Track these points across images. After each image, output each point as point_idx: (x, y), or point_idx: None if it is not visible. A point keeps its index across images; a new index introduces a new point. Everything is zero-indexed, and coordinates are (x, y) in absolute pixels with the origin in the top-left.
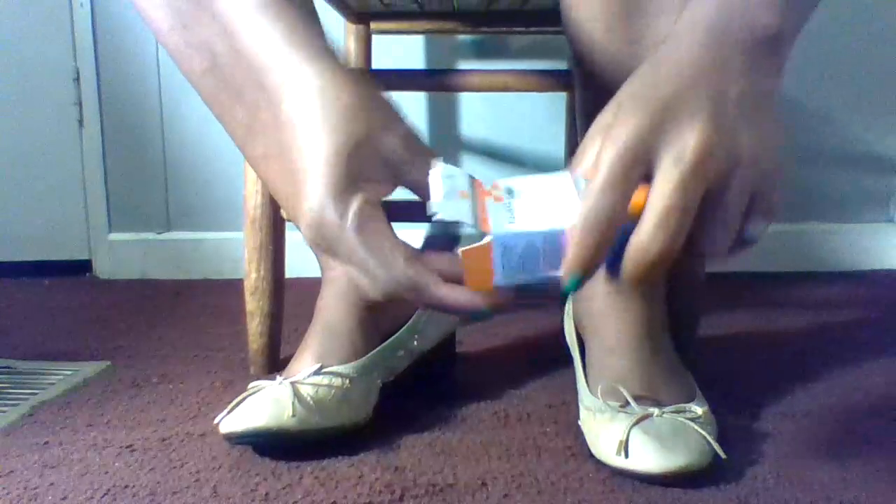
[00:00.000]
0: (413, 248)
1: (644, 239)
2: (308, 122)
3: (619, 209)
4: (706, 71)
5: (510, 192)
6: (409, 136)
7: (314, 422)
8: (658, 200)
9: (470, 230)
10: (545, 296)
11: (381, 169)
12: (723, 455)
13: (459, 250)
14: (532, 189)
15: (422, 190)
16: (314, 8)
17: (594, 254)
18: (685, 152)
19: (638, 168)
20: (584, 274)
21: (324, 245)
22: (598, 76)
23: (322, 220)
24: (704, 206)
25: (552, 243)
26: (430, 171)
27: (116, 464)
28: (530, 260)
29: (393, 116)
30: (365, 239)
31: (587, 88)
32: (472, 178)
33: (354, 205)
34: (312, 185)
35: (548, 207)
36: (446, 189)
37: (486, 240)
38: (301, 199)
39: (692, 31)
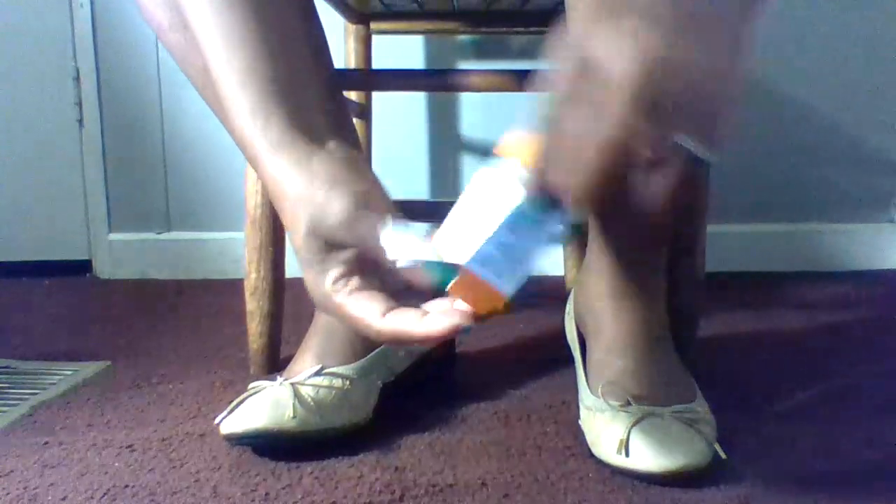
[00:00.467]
0: (391, 299)
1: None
2: (278, 203)
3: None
4: None
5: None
6: (363, 204)
7: (314, 423)
8: (612, 103)
9: (439, 269)
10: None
11: (345, 238)
12: (723, 455)
13: (448, 290)
14: (467, 204)
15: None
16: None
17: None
18: (640, 56)
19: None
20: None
21: (320, 306)
22: None
23: (312, 293)
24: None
25: (520, 223)
26: (382, 233)
27: (116, 464)
28: (515, 252)
29: (352, 188)
30: (344, 306)
31: None
32: (429, 228)
33: (329, 279)
34: (302, 268)
35: (491, 204)
36: (402, 240)
37: (464, 269)
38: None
39: None
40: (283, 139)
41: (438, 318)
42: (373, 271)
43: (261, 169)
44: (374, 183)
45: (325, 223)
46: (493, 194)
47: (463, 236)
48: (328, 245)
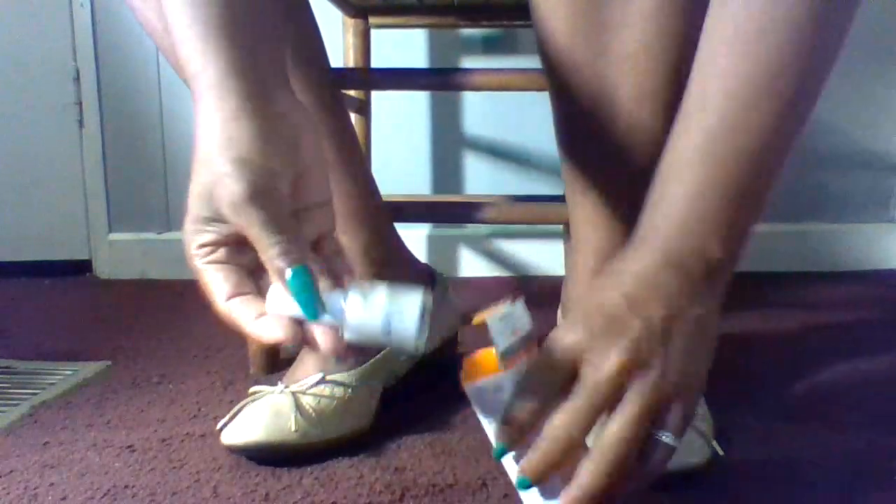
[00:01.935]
0: (248, 283)
1: (553, 435)
2: (193, 161)
3: (546, 396)
4: (652, 294)
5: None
6: (261, 194)
7: (315, 435)
8: (572, 404)
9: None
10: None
11: (228, 219)
12: (720, 452)
13: (465, 361)
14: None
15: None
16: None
17: (520, 422)
18: (606, 368)
19: (565, 370)
20: (509, 445)
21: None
22: (567, 88)
23: (183, 244)
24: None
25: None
26: (349, 295)
27: (116, 464)
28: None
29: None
30: (199, 273)
31: (559, 99)
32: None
33: (197, 241)
34: (185, 219)
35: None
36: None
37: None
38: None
39: (651, 252)
40: (219, 83)
41: (271, 325)
42: (245, 252)
43: (196, 103)
44: (307, 168)
45: (214, 197)
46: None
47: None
48: (212, 213)
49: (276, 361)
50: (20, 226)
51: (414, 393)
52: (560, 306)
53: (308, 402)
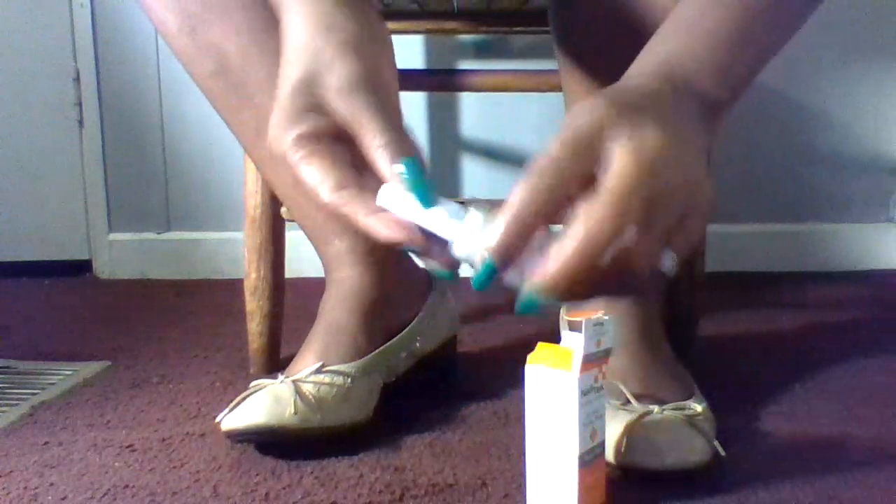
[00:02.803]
0: (351, 176)
1: (591, 225)
2: (287, 52)
3: (557, 192)
4: (662, 99)
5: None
6: (369, 81)
7: (315, 420)
8: (617, 185)
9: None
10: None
11: (334, 107)
12: (722, 452)
13: (540, 344)
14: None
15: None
16: None
17: (517, 235)
18: (647, 146)
19: (586, 154)
20: (500, 261)
21: (274, 158)
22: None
23: (272, 147)
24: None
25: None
26: (386, 187)
27: (116, 464)
28: None
29: (374, 79)
30: (298, 167)
31: (573, 66)
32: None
33: (292, 134)
34: (273, 114)
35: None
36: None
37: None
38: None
39: (656, 77)
40: None
41: (388, 224)
42: (344, 144)
43: (284, 9)
44: (393, 71)
45: (318, 84)
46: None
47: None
48: (311, 104)
49: (277, 361)
50: (20, 226)
51: (414, 392)
52: (561, 315)
53: (308, 389)
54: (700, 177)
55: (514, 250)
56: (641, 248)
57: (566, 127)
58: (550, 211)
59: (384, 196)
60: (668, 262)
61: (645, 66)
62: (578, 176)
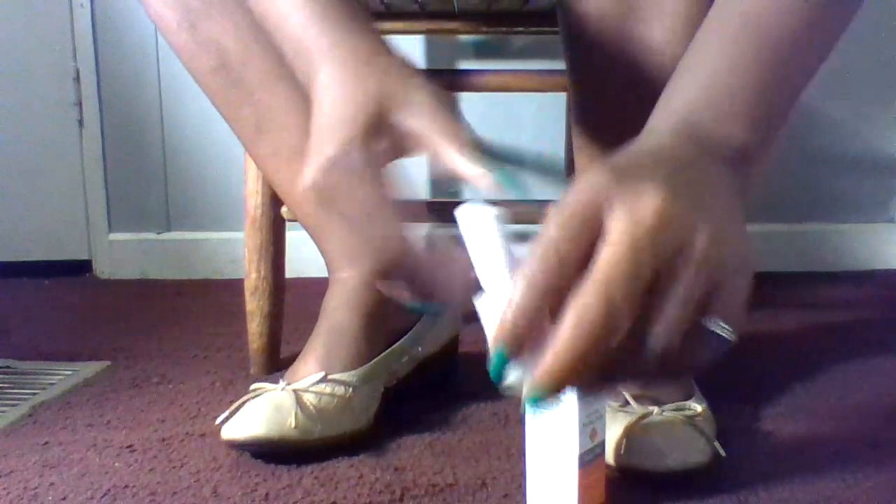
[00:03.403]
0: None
1: (581, 313)
2: (342, 81)
3: (557, 277)
4: (676, 157)
5: None
6: (435, 119)
7: (316, 431)
8: (603, 264)
9: None
10: None
11: (397, 136)
12: (722, 453)
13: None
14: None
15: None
16: None
17: (523, 327)
18: (642, 212)
19: (584, 232)
20: (508, 351)
21: (328, 195)
22: (592, 76)
23: (338, 164)
24: (652, 292)
25: None
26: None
27: (116, 464)
28: None
29: (423, 97)
30: (370, 190)
31: (581, 90)
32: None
33: (368, 155)
34: (336, 133)
35: None
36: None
37: None
38: (313, 154)
39: (672, 134)
40: (343, 37)
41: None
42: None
43: (318, 61)
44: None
45: (393, 99)
46: None
47: None
48: (383, 119)
49: (277, 361)
50: (20, 226)
51: (414, 393)
52: None
53: (309, 399)
54: (732, 230)
55: (522, 340)
56: (662, 321)
57: (564, 205)
58: (553, 298)
59: (463, 216)
60: (716, 330)
61: (661, 121)
62: (576, 258)
